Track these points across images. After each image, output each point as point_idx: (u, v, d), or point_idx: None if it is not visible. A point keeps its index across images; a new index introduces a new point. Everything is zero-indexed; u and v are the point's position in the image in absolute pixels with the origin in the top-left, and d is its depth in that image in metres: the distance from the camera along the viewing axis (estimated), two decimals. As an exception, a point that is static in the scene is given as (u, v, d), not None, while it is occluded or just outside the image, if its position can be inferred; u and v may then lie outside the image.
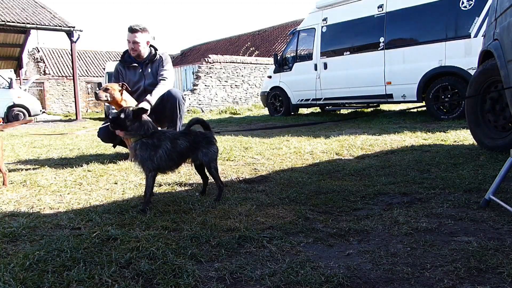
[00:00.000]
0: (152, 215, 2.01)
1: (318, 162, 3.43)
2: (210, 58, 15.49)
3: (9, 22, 12.53)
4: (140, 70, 3.86)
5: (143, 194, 2.21)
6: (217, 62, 15.58)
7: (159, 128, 2.40)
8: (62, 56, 28.07)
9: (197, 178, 2.94)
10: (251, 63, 16.70)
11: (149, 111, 3.60)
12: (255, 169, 3.27)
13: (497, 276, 1.26)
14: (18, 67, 20.07)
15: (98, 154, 4.26)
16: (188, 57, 28.03)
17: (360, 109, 9.70)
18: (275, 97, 10.19)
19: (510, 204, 1.82)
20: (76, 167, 3.49)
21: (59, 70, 26.54)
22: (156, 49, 3.91)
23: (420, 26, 6.99)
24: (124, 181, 2.92)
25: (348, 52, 8.20)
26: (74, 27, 13.46)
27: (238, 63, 16.28)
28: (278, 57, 10.02)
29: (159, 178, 2.98)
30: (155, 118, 3.62)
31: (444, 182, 2.49)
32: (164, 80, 3.75)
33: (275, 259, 1.46)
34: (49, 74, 25.62)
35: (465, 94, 4.22)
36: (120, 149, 4.23)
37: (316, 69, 8.82)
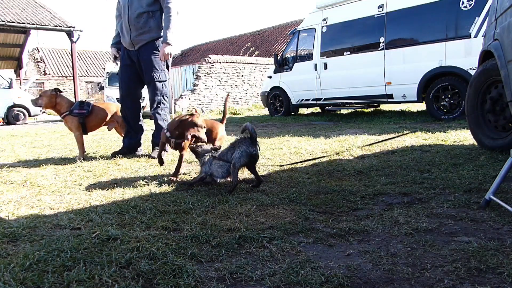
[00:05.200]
0: (152, 215, 2.01)
1: (318, 162, 3.42)
2: (210, 58, 15.48)
3: (9, 22, 12.54)
4: None
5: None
6: (217, 62, 15.57)
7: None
8: (62, 56, 28.09)
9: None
10: (251, 63, 16.69)
11: (173, 49, 3.82)
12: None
13: (497, 276, 1.26)
14: (18, 67, 20.07)
15: (98, 154, 4.26)
16: (188, 57, 28.03)
17: (360, 109, 9.70)
18: (275, 97, 10.19)
19: (510, 204, 1.82)
20: (76, 167, 3.48)
21: (59, 70, 26.55)
22: None
23: (420, 26, 6.99)
24: (124, 181, 2.92)
25: (348, 52, 8.20)
26: (74, 27, 13.48)
27: (238, 63, 16.27)
28: (278, 57, 10.03)
29: (160, 178, 2.97)
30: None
31: (444, 182, 2.48)
32: (169, 8, 3.74)
33: (275, 259, 1.46)
34: (49, 74, 25.64)
35: (465, 94, 4.22)
36: (118, 148, 4.22)
37: (316, 69, 8.82)
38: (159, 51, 3.89)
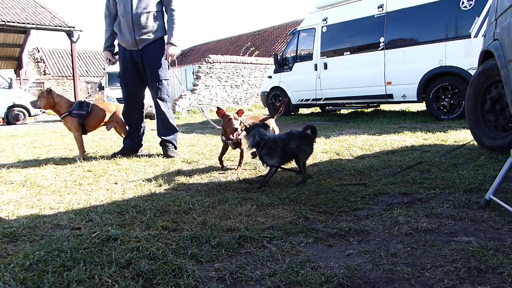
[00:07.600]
0: (152, 215, 2.01)
1: (318, 162, 3.42)
2: (210, 58, 15.48)
3: (9, 22, 12.54)
4: None
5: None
6: (217, 62, 15.57)
7: None
8: (62, 56, 28.09)
9: (197, 178, 2.94)
10: (251, 63, 16.69)
11: (177, 50, 3.96)
12: (255, 169, 3.27)
13: (497, 276, 1.26)
14: (18, 67, 20.08)
15: (98, 154, 4.26)
16: (188, 57, 28.03)
17: (360, 109, 9.70)
18: (275, 97, 10.19)
19: (510, 204, 1.82)
20: (76, 167, 3.49)
21: (59, 70, 26.56)
22: None
23: (420, 26, 6.99)
24: (124, 181, 2.92)
25: (348, 52, 8.20)
26: (74, 27, 13.49)
27: (238, 63, 16.27)
28: (278, 57, 10.03)
29: (160, 178, 2.97)
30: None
31: (444, 182, 2.48)
32: (173, 11, 3.85)
33: (275, 259, 1.46)
34: (49, 74, 25.65)
35: (465, 94, 4.23)
36: (118, 149, 4.22)
37: (316, 69, 8.82)
38: (163, 50, 3.94)
